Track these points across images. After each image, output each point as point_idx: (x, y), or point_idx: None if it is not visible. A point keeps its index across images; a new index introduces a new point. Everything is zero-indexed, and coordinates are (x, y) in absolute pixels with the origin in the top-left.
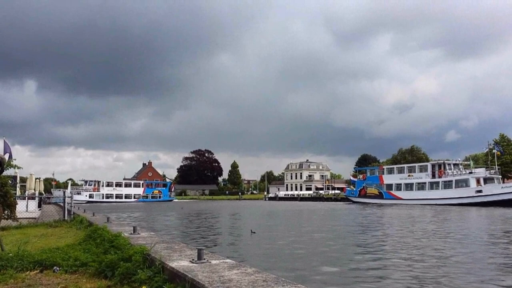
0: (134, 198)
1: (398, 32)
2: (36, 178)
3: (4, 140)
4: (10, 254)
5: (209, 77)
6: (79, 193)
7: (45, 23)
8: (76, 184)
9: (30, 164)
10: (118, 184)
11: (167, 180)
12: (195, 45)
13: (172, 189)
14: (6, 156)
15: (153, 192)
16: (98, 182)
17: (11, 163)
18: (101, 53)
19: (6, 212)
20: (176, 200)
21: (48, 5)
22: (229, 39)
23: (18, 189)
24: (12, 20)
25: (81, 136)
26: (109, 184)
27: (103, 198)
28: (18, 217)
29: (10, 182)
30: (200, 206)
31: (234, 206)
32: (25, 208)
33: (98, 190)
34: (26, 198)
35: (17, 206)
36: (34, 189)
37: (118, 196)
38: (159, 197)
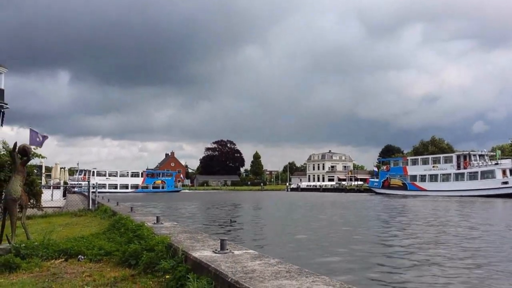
0: (131, 188)
1: (430, 22)
2: (61, 168)
3: (31, 129)
4: (36, 243)
5: (236, 70)
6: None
7: (81, 18)
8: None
9: (57, 153)
10: (112, 174)
11: (190, 170)
12: (224, 39)
13: (178, 179)
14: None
15: (154, 182)
16: (89, 171)
17: (36, 152)
18: (134, 47)
19: (31, 201)
20: (187, 190)
21: (84, 1)
22: (258, 33)
23: (43, 178)
24: (49, 15)
25: (109, 126)
26: (101, 174)
27: (93, 188)
28: (43, 206)
29: (36, 171)
30: (217, 198)
31: (255, 197)
32: (50, 197)
33: (88, 180)
34: (51, 187)
35: (42, 195)
36: (59, 179)
37: (112, 186)
38: (163, 187)
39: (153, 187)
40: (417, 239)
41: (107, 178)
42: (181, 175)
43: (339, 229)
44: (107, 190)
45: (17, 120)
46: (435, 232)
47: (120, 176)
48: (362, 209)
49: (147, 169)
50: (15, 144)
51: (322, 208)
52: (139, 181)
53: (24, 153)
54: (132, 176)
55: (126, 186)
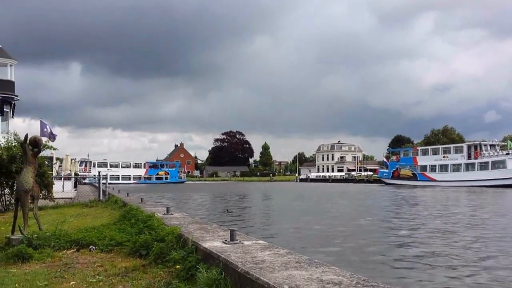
0: (134, 179)
1: (441, 11)
2: (71, 159)
3: (41, 121)
4: (48, 233)
5: (247, 61)
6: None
7: (92, 5)
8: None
9: (68, 145)
10: (114, 165)
11: (199, 161)
12: (235, 29)
13: (188, 170)
14: (44, 138)
15: (158, 174)
16: (90, 162)
17: (49, 144)
18: (145, 37)
19: (43, 192)
20: (193, 181)
21: None
22: (268, 23)
23: (54, 169)
24: (59, 4)
25: (119, 118)
26: (102, 165)
27: (103, 179)
28: (55, 197)
29: (47, 163)
30: (223, 188)
31: (263, 188)
32: (62, 188)
33: (89, 171)
34: (62, 178)
35: (53, 186)
36: (70, 170)
37: (114, 178)
38: (166, 178)
39: (156, 178)
40: (424, 229)
41: (108, 169)
42: (185, 167)
43: (347, 219)
44: (108, 181)
45: (29, 112)
46: (443, 222)
47: (122, 167)
48: (369, 200)
49: (158, 160)
50: (26, 135)
51: (330, 199)
52: (141, 172)
53: (35, 144)
54: (134, 167)
55: (128, 177)
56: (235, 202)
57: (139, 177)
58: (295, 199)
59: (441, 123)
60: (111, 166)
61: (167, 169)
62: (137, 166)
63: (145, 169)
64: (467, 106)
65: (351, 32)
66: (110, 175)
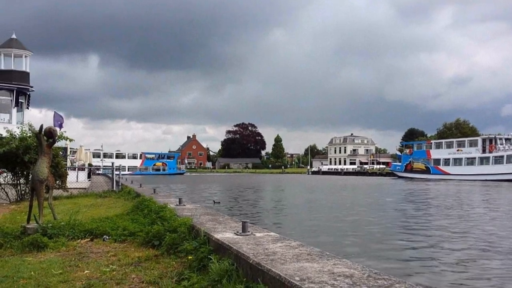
0: (129, 170)
1: (460, 4)
2: (85, 150)
3: (55, 112)
4: (62, 223)
5: (264, 54)
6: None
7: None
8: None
9: (83, 136)
10: (108, 155)
11: (211, 153)
12: (253, 22)
13: (180, 162)
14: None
15: (154, 165)
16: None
17: (63, 135)
18: (164, 28)
19: (57, 182)
20: (198, 174)
21: None
22: (285, 15)
23: (68, 160)
24: None
25: (134, 109)
26: (95, 155)
27: (116, 170)
28: (69, 187)
29: (61, 153)
30: (230, 182)
31: (273, 180)
32: (76, 179)
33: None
34: (76, 169)
35: (67, 176)
36: (84, 161)
37: (106, 168)
38: (163, 169)
39: (154, 169)
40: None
41: (101, 160)
42: (185, 159)
43: (357, 212)
44: (101, 172)
45: (46, 103)
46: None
47: (116, 158)
48: (380, 193)
49: (170, 151)
50: (41, 126)
51: (341, 192)
52: (137, 163)
53: (50, 135)
54: (130, 157)
55: (122, 168)
56: (240, 194)
57: (135, 168)
58: (307, 192)
59: (458, 116)
60: (104, 156)
61: (165, 160)
62: (133, 156)
63: (141, 160)
64: (484, 99)
65: (369, 24)
66: (104, 166)
